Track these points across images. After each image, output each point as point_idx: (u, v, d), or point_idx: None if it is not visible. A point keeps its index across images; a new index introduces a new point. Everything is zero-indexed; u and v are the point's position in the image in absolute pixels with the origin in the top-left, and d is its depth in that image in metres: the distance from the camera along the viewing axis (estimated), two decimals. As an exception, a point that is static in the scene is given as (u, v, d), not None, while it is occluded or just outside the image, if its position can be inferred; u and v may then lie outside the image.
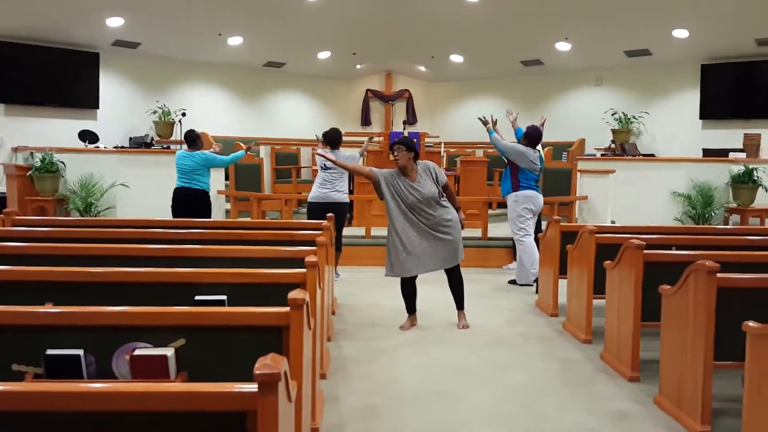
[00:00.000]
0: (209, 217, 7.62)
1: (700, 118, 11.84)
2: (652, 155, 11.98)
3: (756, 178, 9.79)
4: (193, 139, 7.69)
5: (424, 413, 3.95)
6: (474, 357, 5.05)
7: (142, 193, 9.19)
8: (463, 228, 5.78)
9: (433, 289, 6.39)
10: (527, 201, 7.39)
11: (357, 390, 4.32)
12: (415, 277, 5.76)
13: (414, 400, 4.16)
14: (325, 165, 7.48)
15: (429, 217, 5.56)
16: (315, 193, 7.53)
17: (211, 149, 7.94)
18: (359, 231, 9.22)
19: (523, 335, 5.67)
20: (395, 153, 5.58)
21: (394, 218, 5.58)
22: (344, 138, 12.44)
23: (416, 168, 5.64)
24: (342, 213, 7.52)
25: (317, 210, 7.30)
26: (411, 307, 5.84)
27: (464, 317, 5.86)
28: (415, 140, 5.88)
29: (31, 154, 9.67)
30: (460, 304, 5.89)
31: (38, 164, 9.41)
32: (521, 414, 3.97)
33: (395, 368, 4.76)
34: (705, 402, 3.59)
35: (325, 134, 7.74)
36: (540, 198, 7.54)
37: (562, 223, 6.35)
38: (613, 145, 12.24)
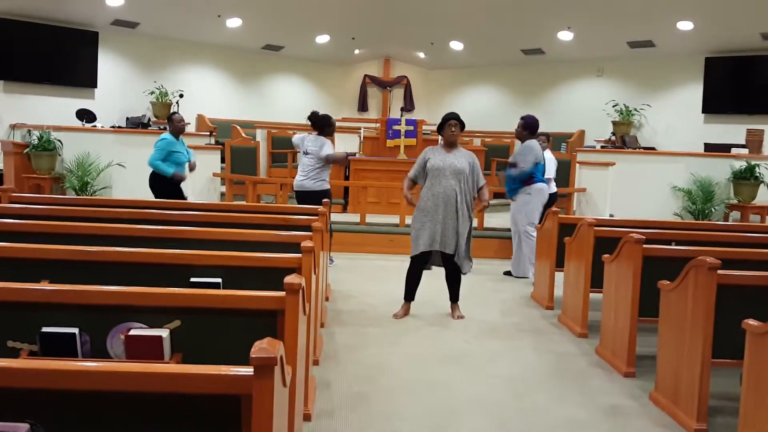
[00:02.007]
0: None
1: (703, 112, 11.82)
2: (653, 148, 11.96)
3: (758, 174, 9.76)
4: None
5: (415, 401, 3.94)
6: (467, 347, 5.04)
7: (138, 173, 9.10)
8: (486, 207, 5.98)
9: (428, 278, 6.36)
10: (541, 194, 7.34)
11: (349, 377, 4.31)
12: (424, 265, 5.76)
13: (405, 388, 4.15)
14: (306, 150, 7.19)
15: (452, 187, 5.58)
16: (295, 181, 7.35)
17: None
18: (354, 218, 9.18)
19: (517, 327, 5.66)
20: (453, 129, 5.68)
21: (422, 194, 5.69)
22: (341, 123, 12.45)
23: (456, 148, 5.78)
24: (315, 201, 7.07)
25: (297, 198, 7.19)
26: (410, 295, 5.82)
27: (458, 309, 5.86)
28: (412, 127, 5.90)
29: (29, 131, 9.61)
30: (455, 297, 5.88)
31: (35, 142, 9.35)
32: (513, 405, 3.96)
33: (387, 356, 4.75)
34: (701, 399, 3.58)
35: (311, 116, 7.40)
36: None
37: (560, 215, 6.33)
38: (613, 138, 12.23)
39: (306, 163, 7.21)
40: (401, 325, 5.55)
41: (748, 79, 11.29)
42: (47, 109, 10.84)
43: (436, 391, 4.11)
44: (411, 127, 11.00)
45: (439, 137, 5.98)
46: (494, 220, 9.82)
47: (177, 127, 7.35)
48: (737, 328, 3.15)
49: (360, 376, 4.33)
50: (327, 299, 6.15)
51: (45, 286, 2.84)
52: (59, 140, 9.45)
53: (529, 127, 7.35)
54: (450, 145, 5.72)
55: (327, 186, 7.25)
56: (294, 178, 7.44)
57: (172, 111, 7.55)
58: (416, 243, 5.67)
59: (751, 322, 3.07)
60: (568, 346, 5.17)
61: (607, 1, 11.00)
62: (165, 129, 10.67)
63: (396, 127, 11.01)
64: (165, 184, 7.19)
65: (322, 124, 7.27)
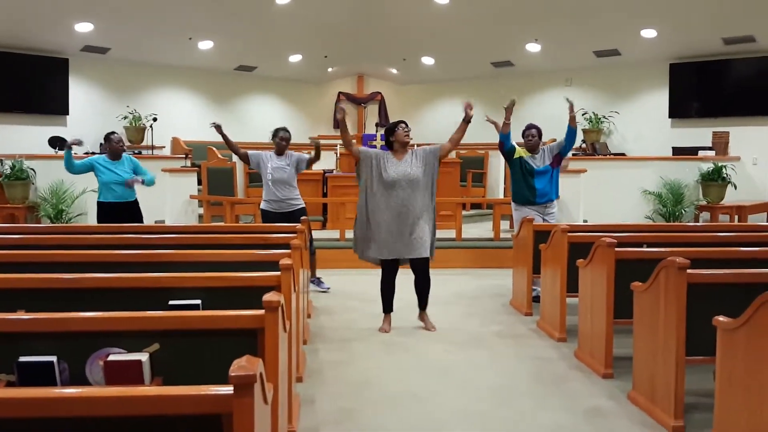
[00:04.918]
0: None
1: (669, 116, 12.02)
2: (623, 154, 12.14)
3: (725, 175, 9.96)
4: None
5: (400, 415, 3.96)
6: (449, 357, 5.07)
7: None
8: (471, 109, 5.67)
9: (406, 289, 6.39)
10: None
11: (333, 393, 4.32)
12: (395, 274, 5.77)
13: (390, 401, 4.17)
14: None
15: (407, 198, 5.54)
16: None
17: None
18: (333, 234, 9.21)
19: (497, 335, 5.71)
20: (406, 129, 5.75)
21: (368, 197, 5.61)
22: (319, 141, 12.35)
23: (407, 150, 5.74)
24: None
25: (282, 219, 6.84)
26: (388, 306, 5.82)
27: (428, 319, 5.83)
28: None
29: (1, 161, 9.54)
30: (423, 305, 5.84)
31: (8, 171, 9.29)
32: (496, 414, 3.99)
33: (371, 370, 4.77)
34: (678, 397, 3.64)
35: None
36: None
37: (535, 223, 6.40)
38: (584, 145, 12.38)
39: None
40: (384, 338, 5.57)
41: (711, 83, 11.50)
42: (19, 137, 10.75)
43: (421, 404, 4.13)
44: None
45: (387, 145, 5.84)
46: (473, 230, 9.92)
47: (114, 148, 7.01)
48: (709, 325, 3.22)
49: (344, 392, 4.34)
50: (309, 316, 6.15)
51: (21, 315, 2.82)
52: (32, 169, 9.40)
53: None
54: (403, 145, 5.69)
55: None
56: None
57: (111, 131, 7.20)
58: (372, 247, 5.64)
59: (721, 318, 3.14)
60: (547, 352, 5.22)
61: (573, 13, 11.17)
62: (139, 154, 10.70)
63: (372, 143, 11.02)
64: (105, 211, 7.02)
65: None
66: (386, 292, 5.81)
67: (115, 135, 7.14)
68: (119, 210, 6.96)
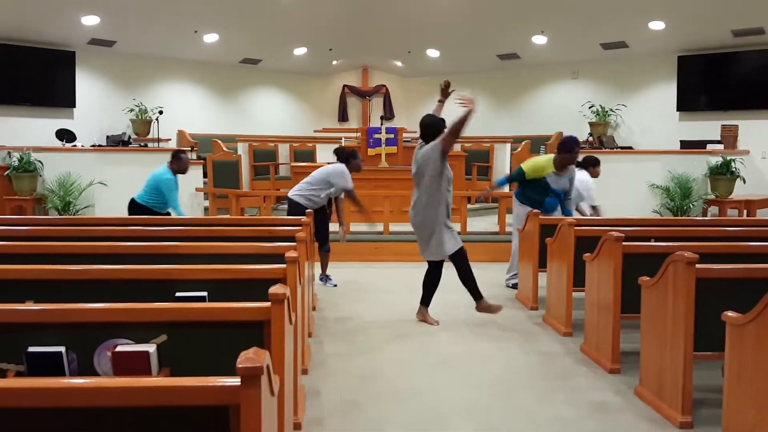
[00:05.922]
0: None
1: (677, 110, 11.95)
2: (630, 148, 12.08)
3: (734, 169, 9.89)
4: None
5: (405, 407, 3.96)
6: (454, 350, 5.07)
7: (121, 191, 9.06)
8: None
9: (408, 281, 6.39)
10: None
11: (338, 385, 4.33)
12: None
13: (394, 394, 4.17)
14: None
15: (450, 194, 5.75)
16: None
17: None
18: (336, 227, 9.17)
19: (503, 328, 5.70)
20: None
21: (443, 194, 5.67)
22: (322, 134, 12.41)
23: None
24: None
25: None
26: (479, 292, 5.84)
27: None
28: (393, 135, 5.93)
29: (9, 153, 9.55)
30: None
31: (16, 164, 9.30)
32: (500, 407, 3.99)
33: (375, 363, 4.77)
34: (686, 392, 3.63)
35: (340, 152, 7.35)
36: None
37: (541, 217, 6.38)
38: (590, 138, 12.33)
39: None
40: (389, 331, 5.56)
41: (720, 75, 11.43)
42: (26, 130, 10.79)
43: (425, 397, 4.13)
44: (391, 135, 11.07)
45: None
46: (478, 224, 9.89)
47: (185, 167, 7.18)
48: (717, 320, 3.21)
49: (349, 384, 4.35)
50: (314, 309, 6.16)
51: (30, 306, 2.83)
52: (40, 161, 9.41)
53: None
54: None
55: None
56: (279, 188, 7.29)
57: (180, 149, 7.25)
58: (457, 239, 5.75)
59: (730, 313, 3.13)
60: (553, 346, 5.21)
61: (580, 5, 11.12)
62: (145, 146, 10.71)
63: (376, 136, 11.06)
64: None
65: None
66: (436, 283, 5.86)
67: (185, 155, 7.24)
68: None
